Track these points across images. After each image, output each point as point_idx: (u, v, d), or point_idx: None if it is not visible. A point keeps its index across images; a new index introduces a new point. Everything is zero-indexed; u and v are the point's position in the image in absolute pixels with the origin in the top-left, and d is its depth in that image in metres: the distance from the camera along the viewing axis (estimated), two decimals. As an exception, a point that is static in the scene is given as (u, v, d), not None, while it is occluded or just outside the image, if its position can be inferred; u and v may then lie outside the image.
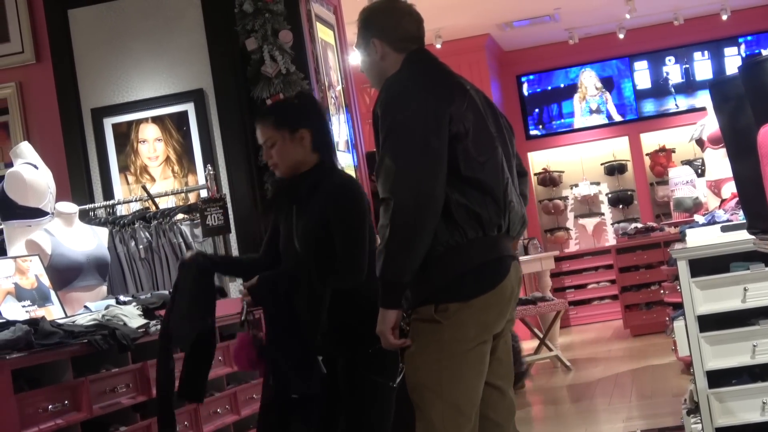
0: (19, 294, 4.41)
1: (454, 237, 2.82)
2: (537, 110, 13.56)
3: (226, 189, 5.98)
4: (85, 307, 4.53)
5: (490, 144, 2.90)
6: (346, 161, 6.55)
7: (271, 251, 3.65)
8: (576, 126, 13.49)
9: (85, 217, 5.59)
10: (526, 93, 13.57)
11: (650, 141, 13.33)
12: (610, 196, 13.48)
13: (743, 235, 4.09)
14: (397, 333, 2.86)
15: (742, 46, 12.94)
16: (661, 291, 8.48)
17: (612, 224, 13.34)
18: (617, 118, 13.38)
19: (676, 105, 13.15)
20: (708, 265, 4.47)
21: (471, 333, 2.83)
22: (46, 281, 4.60)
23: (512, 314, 3.01)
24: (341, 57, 6.94)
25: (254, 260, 3.77)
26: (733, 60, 12.76)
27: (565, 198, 13.62)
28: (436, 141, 2.78)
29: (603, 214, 13.58)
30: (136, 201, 5.88)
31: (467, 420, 2.85)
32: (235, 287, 5.62)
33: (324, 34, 6.64)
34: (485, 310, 2.85)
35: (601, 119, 13.43)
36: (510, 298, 2.93)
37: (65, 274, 4.85)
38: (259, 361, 3.47)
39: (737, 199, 4.89)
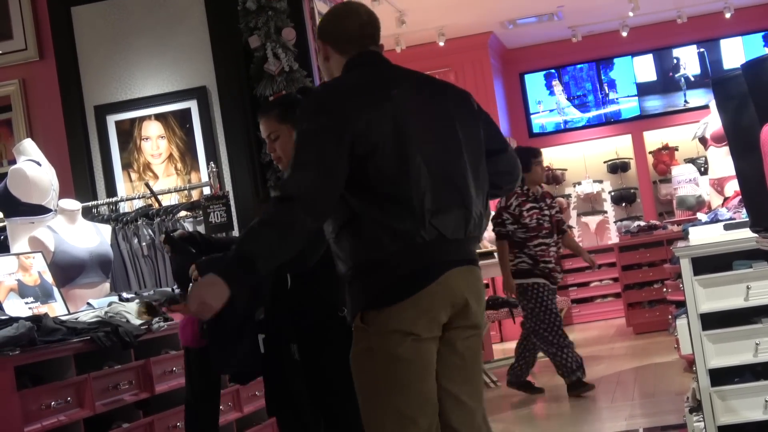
0: (22, 291, 4.42)
1: (372, 254, 2.80)
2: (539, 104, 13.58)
3: (228, 186, 5.98)
4: (88, 304, 4.54)
5: (409, 151, 2.82)
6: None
7: None
8: (579, 124, 13.49)
9: (88, 214, 5.59)
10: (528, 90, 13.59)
11: (653, 139, 13.33)
12: (613, 194, 13.48)
13: (746, 233, 4.09)
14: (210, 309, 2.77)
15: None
16: (664, 289, 8.47)
17: (615, 222, 13.34)
18: (620, 116, 13.38)
19: (679, 103, 13.15)
20: (711, 264, 4.46)
21: (395, 338, 2.80)
22: (49, 278, 4.61)
23: (472, 321, 2.93)
24: (344, 54, 6.94)
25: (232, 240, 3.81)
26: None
27: (568, 196, 13.61)
28: (333, 159, 2.77)
29: (606, 212, 13.57)
30: (139, 198, 5.88)
31: (411, 422, 2.82)
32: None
33: (327, 31, 6.64)
34: (405, 313, 2.80)
35: (604, 117, 13.43)
36: (444, 303, 2.85)
37: (68, 271, 4.86)
38: (201, 338, 3.50)
39: (740, 197, 4.89)
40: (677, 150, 13.04)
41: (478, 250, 9.74)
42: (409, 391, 2.83)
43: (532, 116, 13.58)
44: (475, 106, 3.07)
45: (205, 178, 5.95)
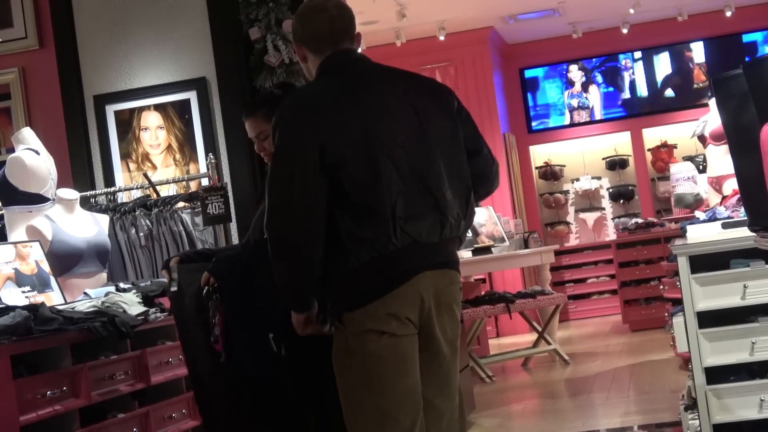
0: (19, 280, 4.42)
1: (347, 264, 2.82)
2: (538, 102, 13.57)
3: (227, 178, 5.97)
4: (85, 293, 4.54)
5: (380, 157, 2.81)
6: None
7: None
8: (577, 120, 13.49)
9: (86, 203, 5.59)
10: (528, 86, 13.59)
11: (652, 136, 13.34)
12: (611, 190, 13.48)
13: (744, 232, 4.09)
14: (311, 326, 2.95)
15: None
16: (661, 287, 8.48)
17: (612, 219, 13.35)
18: (619, 112, 13.38)
19: (679, 100, 13.14)
20: (708, 262, 4.47)
21: (371, 337, 2.82)
22: (46, 267, 4.61)
23: (446, 321, 2.94)
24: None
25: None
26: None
27: (566, 192, 13.63)
28: (303, 176, 2.78)
29: (604, 209, 13.58)
30: (137, 188, 5.88)
31: (394, 422, 2.82)
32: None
33: (328, 24, 6.63)
34: (377, 313, 2.82)
35: (603, 114, 13.43)
36: (414, 305, 2.85)
37: (65, 261, 4.86)
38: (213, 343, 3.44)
39: (738, 195, 4.89)
40: (676, 147, 13.05)
41: (476, 245, 9.77)
42: (389, 390, 2.82)
43: (531, 112, 13.57)
44: (454, 103, 3.03)
45: (203, 169, 5.94)
